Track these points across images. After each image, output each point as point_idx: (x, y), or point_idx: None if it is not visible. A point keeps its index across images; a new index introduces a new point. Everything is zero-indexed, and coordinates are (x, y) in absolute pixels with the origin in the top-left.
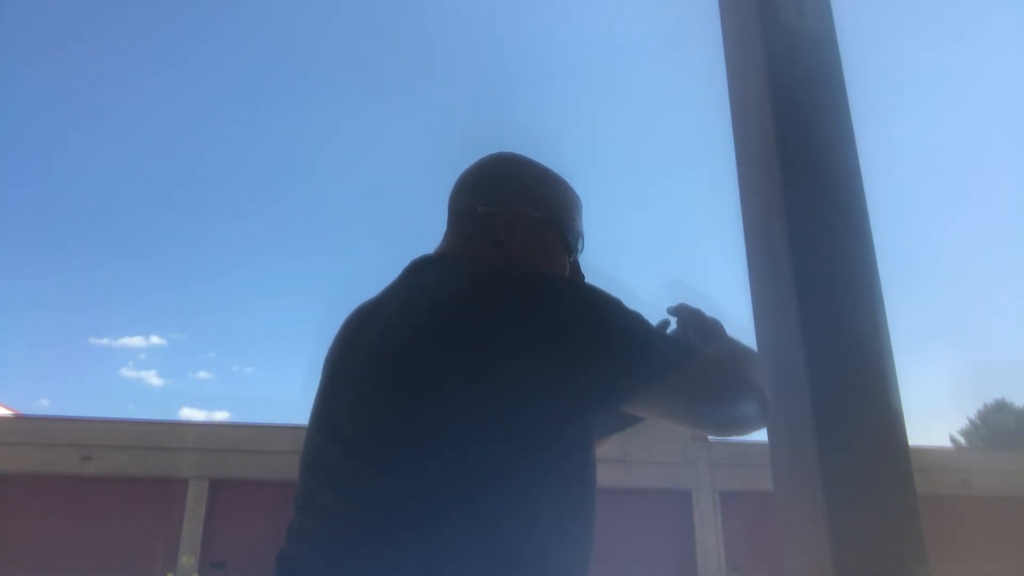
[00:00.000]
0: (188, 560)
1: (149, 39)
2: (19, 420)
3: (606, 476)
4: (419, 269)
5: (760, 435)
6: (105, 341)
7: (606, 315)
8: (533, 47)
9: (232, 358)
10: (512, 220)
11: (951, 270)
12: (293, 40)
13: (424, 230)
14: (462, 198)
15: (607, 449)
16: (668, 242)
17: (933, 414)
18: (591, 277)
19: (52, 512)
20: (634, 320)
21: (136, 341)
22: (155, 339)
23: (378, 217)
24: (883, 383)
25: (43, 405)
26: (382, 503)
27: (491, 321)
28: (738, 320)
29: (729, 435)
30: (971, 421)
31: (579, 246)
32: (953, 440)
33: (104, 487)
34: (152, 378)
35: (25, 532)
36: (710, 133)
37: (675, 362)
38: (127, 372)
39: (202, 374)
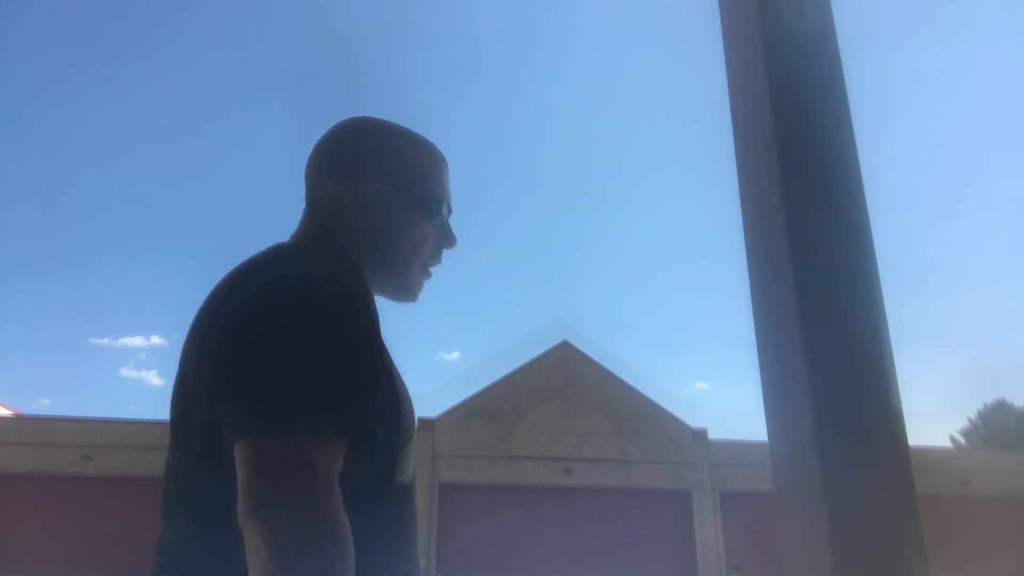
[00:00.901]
0: None
1: (149, 41)
2: (19, 420)
3: (606, 476)
4: (239, 267)
5: (760, 435)
6: (105, 341)
7: (276, 327)
8: (533, 47)
9: None
10: (359, 196)
11: (951, 270)
12: (293, 41)
13: None
14: (311, 177)
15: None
16: (668, 242)
17: (933, 414)
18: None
19: (52, 512)
20: (303, 358)
21: (136, 341)
22: (155, 339)
23: None
24: (883, 383)
25: (43, 405)
26: (189, 512)
27: (230, 332)
28: (738, 320)
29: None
30: (971, 421)
31: (443, 210)
32: (953, 440)
33: (104, 487)
34: (152, 378)
35: (25, 532)
36: (710, 133)
37: (268, 428)
38: (127, 372)
39: None
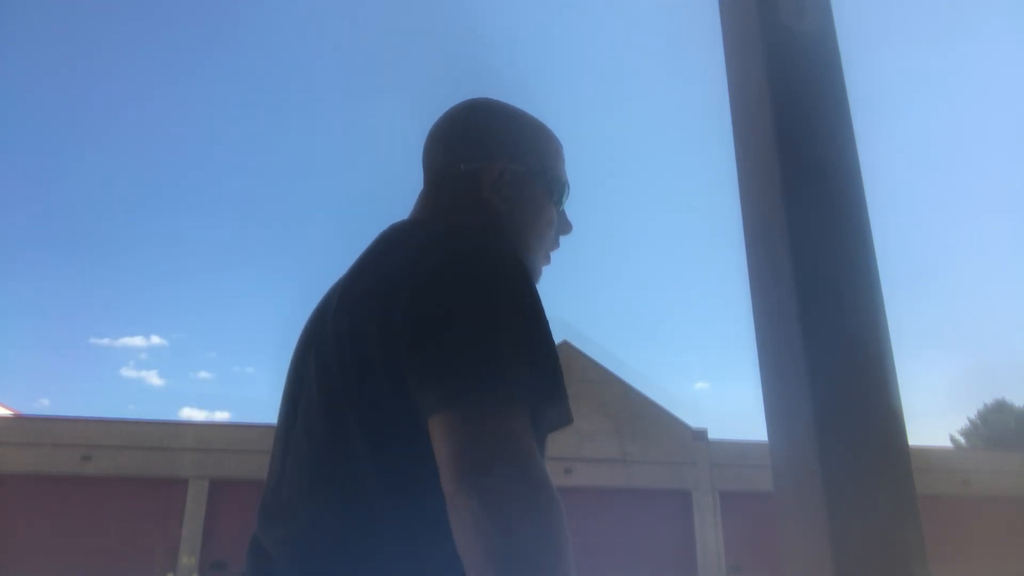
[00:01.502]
0: (188, 560)
1: (149, 41)
2: (19, 420)
3: (606, 476)
4: (387, 240)
5: (760, 435)
6: (106, 341)
7: (469, 300)
8: (533, 47)
9: (233, 358)
10: (496, 176)
11: (951, 270)
12: (292, 42)
13: None
14: (438, 156)
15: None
16: (668, 242)
17: (933, 414)
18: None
19: (52, 512)
20: (489, 323)
21: (137, 341)
22: (156, 339)
23: (379, 217)
24: (883, 383)
25: (43, 405)
26: (341, 498)
27: (395, 290)
28: (738, 320)
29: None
30: (971, 421)
31: (565, 195)
32: (953, 440)
33: (104, 487)
34: (153, 378)
35: (25, 532)
36: (709, 133)
37: (477, 399)
38: (127, 372)
39: (203, 374)
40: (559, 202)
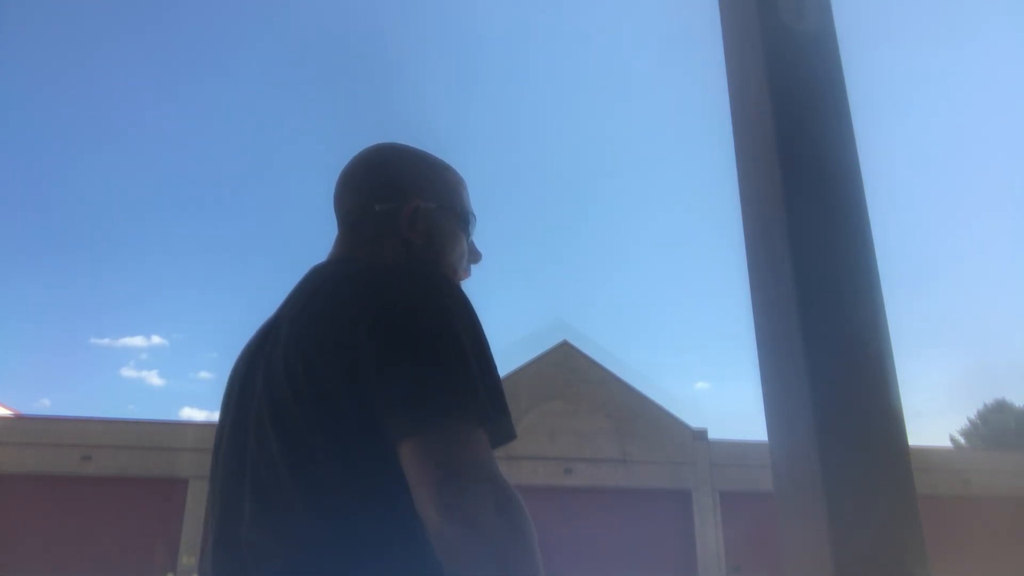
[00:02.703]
0: (188, 560)
1: (148, 42)
2: (19, 420)
3: (606, 476)
4: (325, 278)
5: (760, 435)
6: (106, 341)
7: (422, 329)
8: (532, 48)
9: (233, 358)
10: (410, 214)
11: (951, 270)
12: (292, 42)
13: None
14: (352, 199)
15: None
16: (668, 242)
17: (933, 414)
18: (487, 254)
19: (52, 512)
20: (444, 349)
21: (137, 341)
22: (156, 339)
23: None
24: (883, 383)
25: (44, 405)
26: (285, 522)
27: (351, 324)
28: (738, 320)
29: (442, 544)
30: (971, 421)
31: (473, 225)
32: (953, 440)
33: (104, 487)
34: (153, 378)
35: (25, 532)
36: (709, 133)
37: (427, 416)
38: (128, 372)
39: (203, 374)
40: (468, 232)
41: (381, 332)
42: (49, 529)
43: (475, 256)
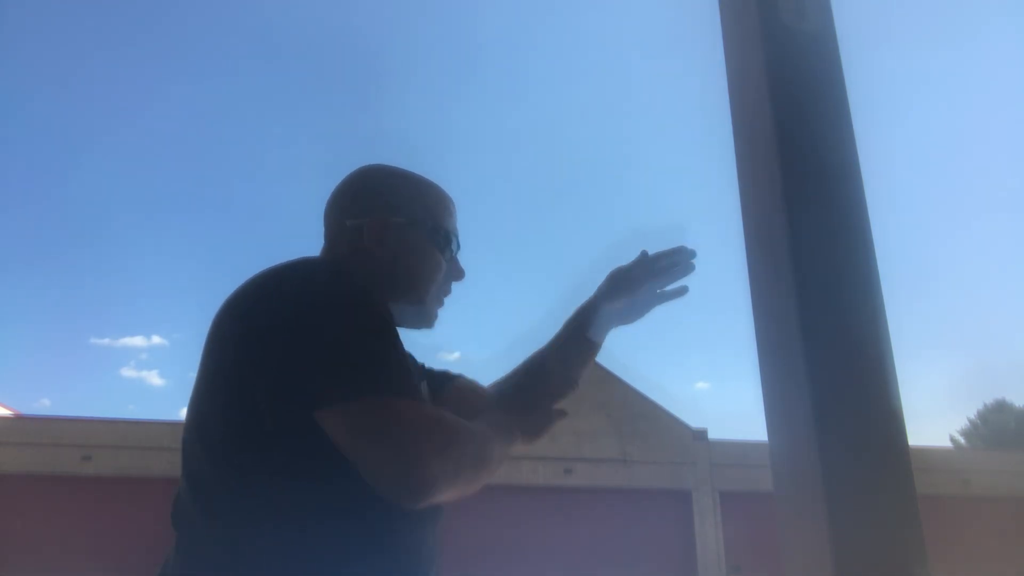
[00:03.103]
0: None
1: (148, 41)
2: (19, 420)
3: (606, 476)
4: (252, 279)
5: (760, 435)
6: (106, 341)
7: (320, 317)
8: (533, 47)
9: None
10: (378, 228)
11: (951, 270)
12: (292, 42)
13: None
14: (330, 215)
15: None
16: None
17: (933, 414)
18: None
19: (52, 512)
20: (347, 332)
21: (137, 341)
22: (156, 339)
23: None
24: (883, 383)
25: (44, 405)
26: (204, 502)
27: (251, 315)
28: (738, 320)
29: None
30: (971, 421)
31: (452, 243)
32: (953, 440)
33: (104, 487)
34: (153, 378)
35: (25, 532)
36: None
37: (352, 391)
38: (128, 372)
39: None
40: (443, 249)
41: (293, 314)
42: (49, 529)
43: (457, 274)
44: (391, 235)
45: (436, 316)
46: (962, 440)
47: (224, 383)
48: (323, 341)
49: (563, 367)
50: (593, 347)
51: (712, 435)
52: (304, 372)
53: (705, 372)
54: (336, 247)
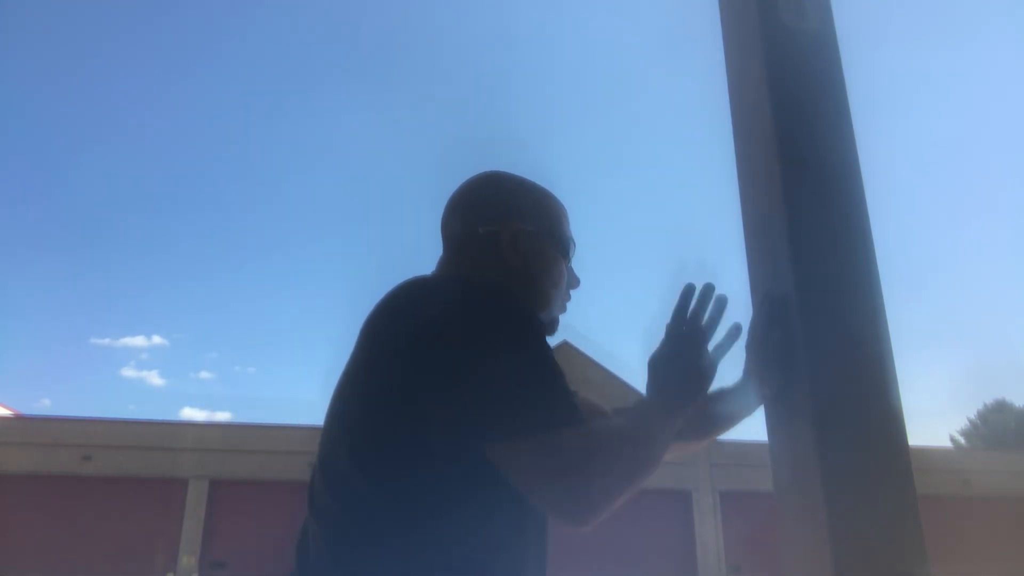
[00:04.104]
0: (188, 560)
1: (149, 41)
2: (19, 420)
3: None
4: (406, 286)
5: (760, 435)
6: (106, 341)
7: (498, 345)
8: (533, 47)
9: (234, 358)
10: (511, 236)
11: (951, 270)
12: (292, 41)
13: (423, 231)
14: (457, 221)
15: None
16: (668, 242)
17: (933, 414)
18: (585, 280)
19: (52, 512)
20: (522, 362)
21: (138, 341)
22: (157, 339)
23: (378, 218)
24: (883, 383)
25: (44, 405)
26: (356, 508)
27: (421, 330)
28: (739, 320)
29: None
30: (971, 421)
31: (572, 251)
32: (953, 440)
33: (104, 487)
34: (153, 378)
35: (25, 532)
36: (710, 133)
37: (521, 428)
38: (128, 372)
39: (204, 374)
40: (567, 257)
41: (456, 339)
42: (49, 529)
43: (573, 282)
44: (523, 243)
45: (559, 322)
46: (962, 440)
47: (390, 395)
48: (500, 370)
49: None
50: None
51: None
52: (480, 403)
53: None
54: (465, 252)
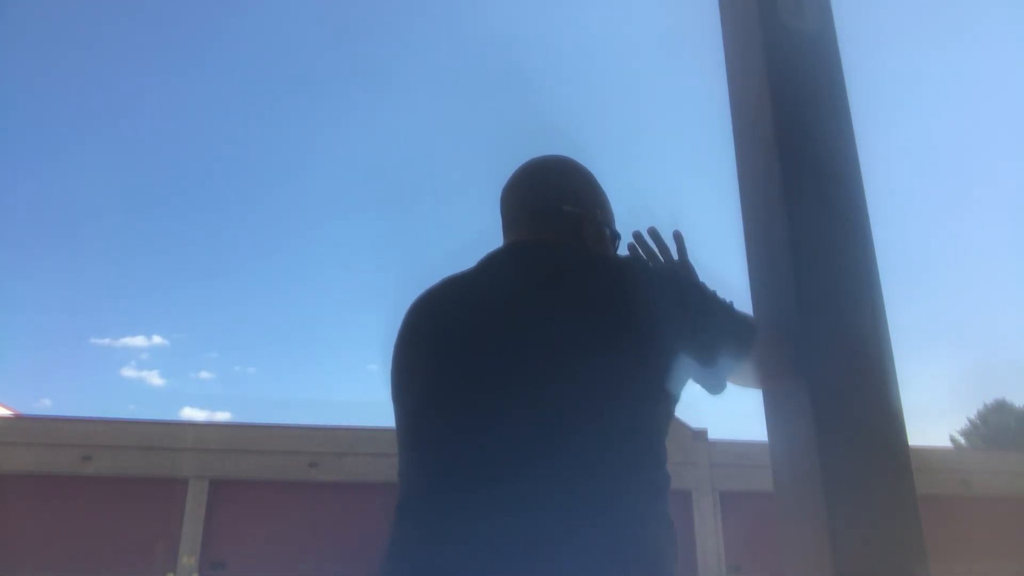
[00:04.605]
0: (188, 560)
1: (150, 41)
2: (19, 420)
3: None
4: (529, 251)
5: (760, 435)
6: (106, 341)
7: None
8: (533, 47)
9: (234, 358)
10: (589, 219)
11: (951, 270)
12: (292, 40)
13: (423, 231)
14: (542, 196)
15: None
16: (667, 242)
17: (933, 414)
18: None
19: (52, 512)
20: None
21: (138, 341)
22: (157, 339)
23: (378, 218)
24: (883, 383)
25: (44, 405)
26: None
27: (652, 297)
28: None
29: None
30: (971, 421)
31: (618, 243)
32: (953, 440)
33: (104, 487)
34: (154, 378)
35: (25, 532)
36: (710, 133)
37: (752, 330)
38: (128, 372)
39: (204, 374)
40: (617, 247)
41: (683, 288)
42: (49, 529)
43: None
44: (594, 225)
45: None
46: (962, 440)
47: (649, 348)
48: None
49: None
50: None
51: (712, 435)
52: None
53: None
54: (548, 226)
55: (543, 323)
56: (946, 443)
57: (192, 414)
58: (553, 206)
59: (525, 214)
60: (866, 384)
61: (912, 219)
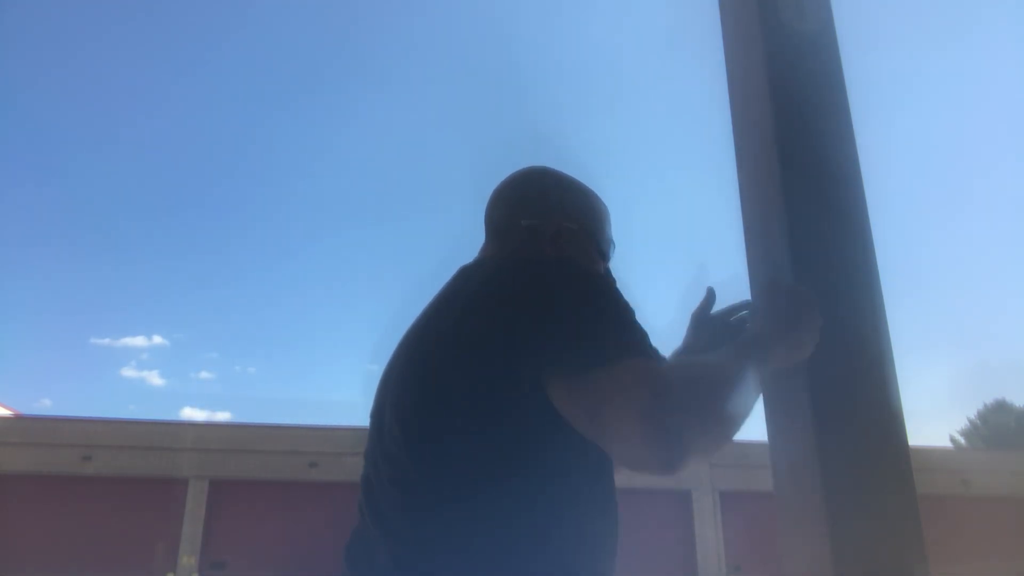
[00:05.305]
0: (188, 560)
1: (151, 41)
2: (19, 420)
3: None
4: (462, 274)
5: (760, 435)
6: (107, 341)
7: (572, 293)
8: (534, 48)
9: (234, 358)
10: (555, 231)
11: (951, 270)
12: (294, 41)
13: (423, 231)
14: (502, 212)
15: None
16: (668, 242)
17: (933, 414)
18: (622, 282)
19: (52, 512)
20: (598, 305)
21: (138, 341)
22: (157, 339)
23: (377, 218)
24: (883, 383)
25: (44, 405)
26: (416, 492)
27: (496, 307)
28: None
29: (622, 465)
30: (971, 421)
31: (611, 253)
32: (953, 440)
33: (104, 487)
34: (154, 378)
35: (25, 532)
36: (710, 133)
37: (605, 358)
38: (128, 372)
39: (204, 374)
40: (606, 257)
41: (537, 300)
42: (49, 529)
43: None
44: (564, 238)
45: None
46: (962, 440)
47: (486, 356)
48: (581, 312)
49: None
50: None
51: None
52: (557, 341)
53: None
54: (507, 242)
55: (413, 341)
56: (946, 443)
57: (192, 414)
58: (510, 221)
59: (489, 232)
60: (866, 384)
61: (912, 219)
